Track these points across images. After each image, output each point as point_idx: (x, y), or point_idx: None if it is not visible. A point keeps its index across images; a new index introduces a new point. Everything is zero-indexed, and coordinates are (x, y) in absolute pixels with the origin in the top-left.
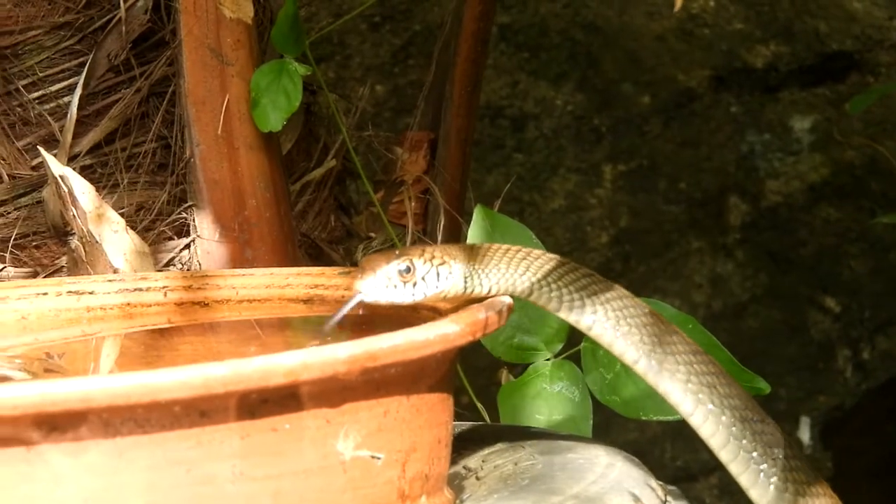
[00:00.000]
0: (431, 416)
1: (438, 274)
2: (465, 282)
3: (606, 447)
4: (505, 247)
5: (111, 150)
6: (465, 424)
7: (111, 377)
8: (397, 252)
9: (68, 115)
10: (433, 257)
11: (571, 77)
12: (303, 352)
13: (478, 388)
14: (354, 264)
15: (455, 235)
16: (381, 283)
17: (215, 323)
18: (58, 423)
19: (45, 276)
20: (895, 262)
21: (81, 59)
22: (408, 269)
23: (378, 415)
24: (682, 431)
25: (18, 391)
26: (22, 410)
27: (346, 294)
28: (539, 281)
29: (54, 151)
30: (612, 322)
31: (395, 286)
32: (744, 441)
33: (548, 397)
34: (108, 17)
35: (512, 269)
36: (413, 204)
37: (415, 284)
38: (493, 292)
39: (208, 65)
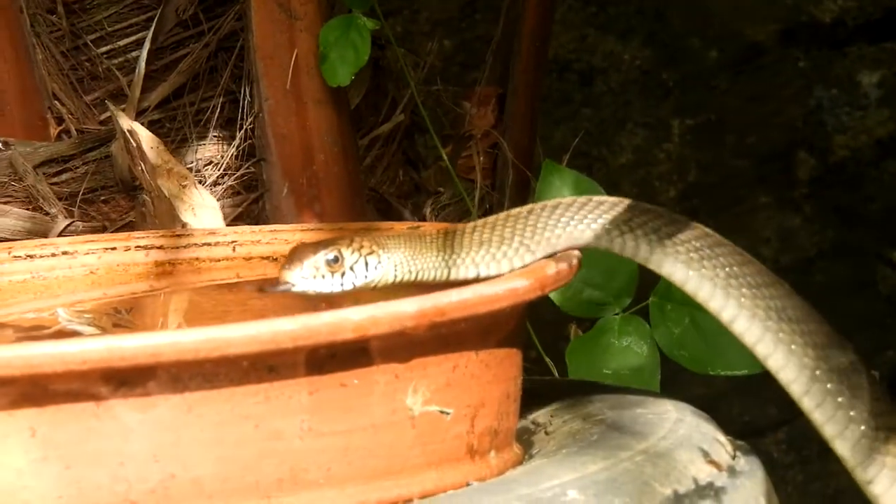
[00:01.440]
0: (500, 370)
1: (367, 264)
2: (396, 271)
3: (675, 402)
4: (473, 225)
5: (179, 105)
6: (534, 379)
7: (180, 332)
8: (325, 241)
9: (136, 70)
10: (361, 247)
11: (639, 32)
12: (372, 307)
13: (546, 343)
14: (423, 219)
15: (523, 190)
16: (308, 273)
17: None
18: (126, 378)
19: (113, 231)
20: None
21: (150, 14)
22: (335, 259)
23: (447, 370)
24: (749, 387)
25: (87, 346)
26: (91, 365)
27: None
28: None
29: (122, 106)
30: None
31: (323, 276)
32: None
33: (616, 352)
34: None
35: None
36: (481, 158)
37: (343, 274)
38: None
39: (276, 19)
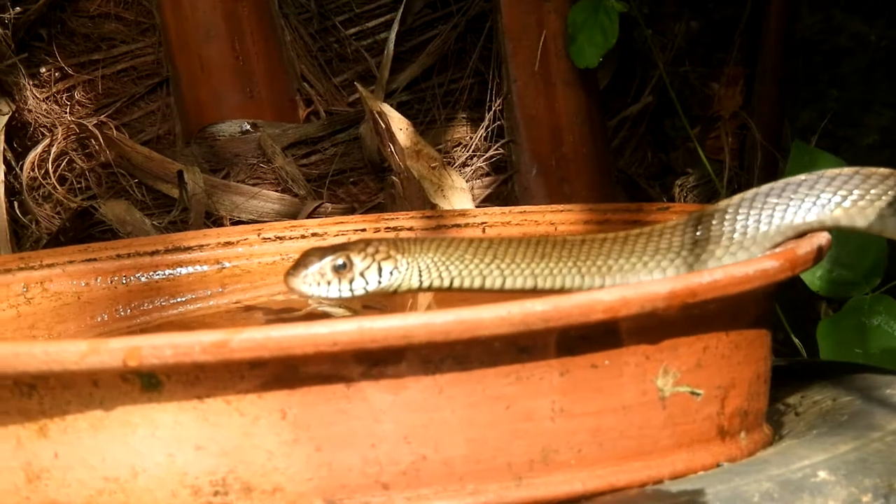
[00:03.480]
0: (750, 351)
1: (381, 269)
2: (422, 276)
3: None
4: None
5: (428, 87)
6: (783, 360)
7: (431, 314)
8: (337, 246)
9: (385, 51)
10: (377, 252)
11: (885, 12)
12: (623, 288)
13: (794, 324)
14: (671, 199)
15: (771, 170)
16: (313, 279)
17: None
18: (378, 360)
19: (362, 212)
20: None
21: None
22: (343, 266)
23: (697, 351)
24: None
25: (338, 328)
26: (342, 347)
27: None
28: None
29: (371, 88)
30: None
31: (329, 282)
32: None
33: (866, 332)
34: None
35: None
36: (730, 139)
37: (352, 280)
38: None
39: (524, 1)
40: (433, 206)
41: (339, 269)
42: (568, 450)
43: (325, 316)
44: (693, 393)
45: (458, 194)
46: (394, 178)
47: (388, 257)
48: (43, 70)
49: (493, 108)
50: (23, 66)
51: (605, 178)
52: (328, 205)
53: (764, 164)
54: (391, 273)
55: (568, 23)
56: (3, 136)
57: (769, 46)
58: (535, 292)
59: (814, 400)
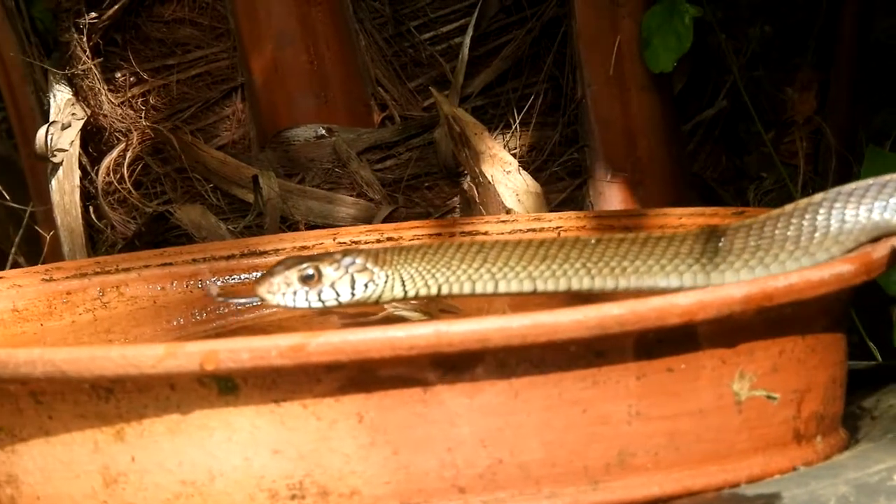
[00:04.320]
0: (826, 355)
1: (353, 281)
2: (405, 286)
3: None
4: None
5: (502, 91)
6: (858, 364)
7: (507, 318)
8: (312, 256)
9: (460, 56)
10: (352, 263)
11: None
12: (699, 292)
13: (869, 327)
14: (746, 204)
15: (846, 175)
16: (278, 288)
17: None
18: (454, 364)
19: (437, 217)
20: None
21: (472, 0)
22: (311, 276)
23: (773, 354)
24: None
25: (415, 331)
26: (419, 351)
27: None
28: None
29: (446, 92)
30: None
31: (295, 292)
32: None
33: None
34: None
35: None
36: (804, 144)
37: (320, 292)
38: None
39: (599, 5)
40: (508, 211)
41: (306, 280)
42: (644, 453)
43: (402, 320)
44: (769, 397)
45: (533, 199)
46: (468, 182)
47: (364, 269)
48: (118, 75)
49: (568, 113)
50: (98, 71)
51: (680, 183)
52: (403, 209)
53: (838, 168)
54: (366, 285)
55: (642, 27)
56: (78, 141)
57: (843, 50)
58: (534, 294)
59: (889, 404)
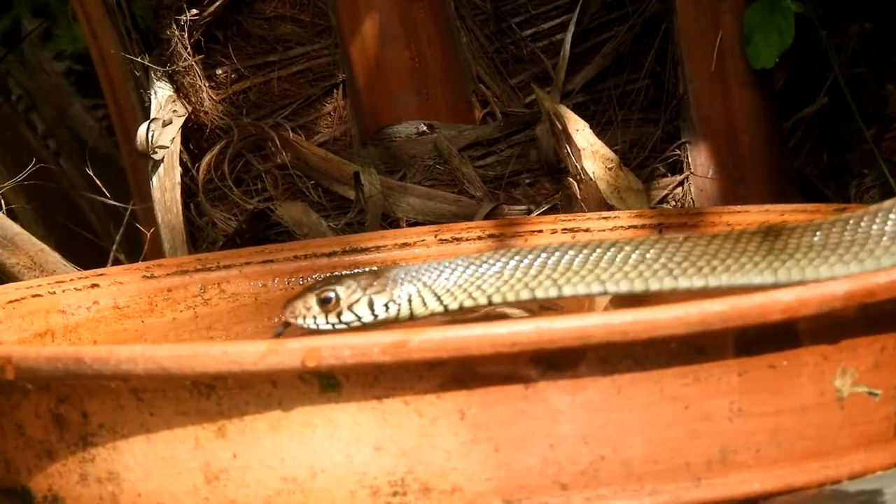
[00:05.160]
0: None
1: (372, 303)
2: (426, 305)
3: None
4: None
5: (604, 88)
6: None
7: (609, 314)
8: (333, 279)
9: (561, 53)
10: (369, 286)
11: None
12: (801, 289)
13: None
14: (847, 200)
15: None
16: (299, 312)
17: None
18: (556, 361)
19: (538, 214)
20: None
21: None
22: (328, 300)
23: (875, 351)
24: None
25: (517, 328)
26: (520, 348)
27: None
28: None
29: (547, 89)
30: None
31: (315, 316)
32: None
33: None
34: None
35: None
36: None
37: (340, 314)
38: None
39: (700, 1)
40: (610, 208)
41: (324, 303)
42: (746, 450)
43: (503, 317)
44: (871, 393)
45: (635, 195)
46: (570, 179)
47: (382, 290)
48: (219, 72)
49: (669, 109)
50: (199, 67)
51: (781, 179)
52: (504, 206)
53: None
54: (386, 306)
55: (744, 23)
56: (179, 138)
57: None
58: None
59: None
